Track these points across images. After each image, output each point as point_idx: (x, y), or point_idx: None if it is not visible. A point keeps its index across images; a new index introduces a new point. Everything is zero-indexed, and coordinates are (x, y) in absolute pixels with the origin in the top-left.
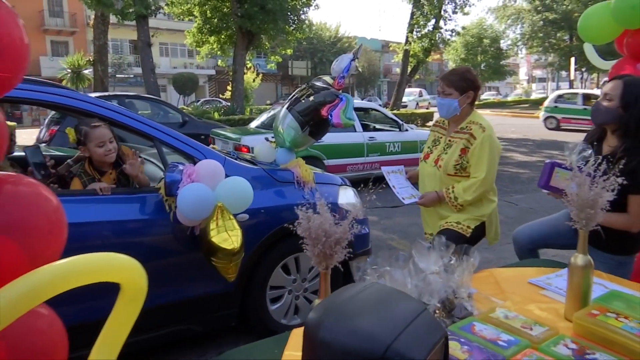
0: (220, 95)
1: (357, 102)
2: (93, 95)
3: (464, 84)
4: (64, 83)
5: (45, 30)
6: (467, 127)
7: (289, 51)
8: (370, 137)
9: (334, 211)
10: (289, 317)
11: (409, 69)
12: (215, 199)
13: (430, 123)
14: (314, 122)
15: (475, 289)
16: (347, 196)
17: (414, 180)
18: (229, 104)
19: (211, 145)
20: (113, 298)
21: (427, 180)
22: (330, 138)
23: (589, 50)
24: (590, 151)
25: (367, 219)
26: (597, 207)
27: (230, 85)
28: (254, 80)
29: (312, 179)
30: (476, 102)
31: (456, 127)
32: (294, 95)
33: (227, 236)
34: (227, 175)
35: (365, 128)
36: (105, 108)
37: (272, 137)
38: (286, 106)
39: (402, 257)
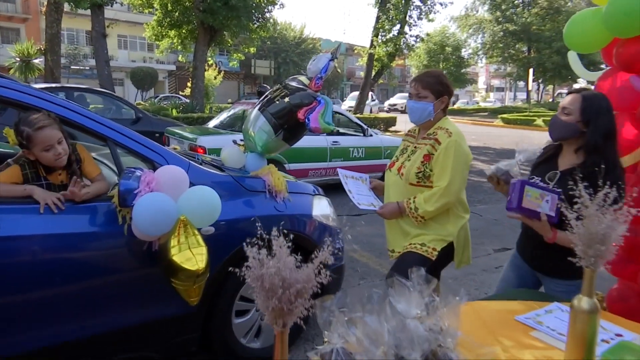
0: (180, 92)
1: None
2: (38, 86)
3: (439, 88)
4: (11, 72)
5: None
6: (433, 132)
7: (252, 49)
8: (333, 142)
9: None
10: (249, 338)
11: (373, 72)
12: (178, 211)
13: (394, 128)
14: (288, 126)
15: (459, 330)
16: (321, 207)
17: (378, 192)
18: (188, 101)
19: (172, 146)
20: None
21: (391, 190)
22: None
23: (573, 59)
24: (534, 148)
25: (341, 231)
26: (609, 243)
27: (190, 81)
28: (215, 78)
29: (285, 188)
30: None
31: (424, 133)
32: (266, 96)
33: (191, 255)
34: (191, 184)
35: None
36: (47, 101)
37: (241, 140)
38: (258, 107)
39: (376, 295)
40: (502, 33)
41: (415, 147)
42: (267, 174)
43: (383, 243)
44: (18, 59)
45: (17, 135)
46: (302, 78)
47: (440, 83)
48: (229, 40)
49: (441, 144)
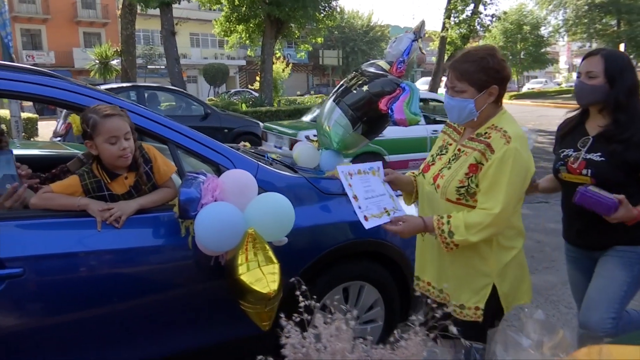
0: (250, 86)
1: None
2: (107, 86)
3: (482, 77)
4: (91, 74)
5: (78, 22)
6: (485, 133)
7: (320, 40)
8: (433, 131)
9: None
10: None
11: (446, 57)
12: (246, 223)
13: None
14: (368, 118)
15: None
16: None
17: (395, 188)
18: (257, 95)
19: (242, 143)
20: None
21: (425, 203)
22: (391, 132)
23: None
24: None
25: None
26: None
27: (259, 75)
28: (283, 71)
29: None
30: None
31: (472, 132)
32: (341, 85)
33: (261, 274)
34: (261, 188)
35: (427, 120)
36: (98, 100)
37: (315, 136)
38: (332, 98)
39: (478, 352)
40: (586, 7)
41: (459, 149)
42: None
43: None
44: (97, 62)
45: (82, 122)
46: (382, 63)
47: (483, 70)
48: (296, 31)
49: (495, 153)
